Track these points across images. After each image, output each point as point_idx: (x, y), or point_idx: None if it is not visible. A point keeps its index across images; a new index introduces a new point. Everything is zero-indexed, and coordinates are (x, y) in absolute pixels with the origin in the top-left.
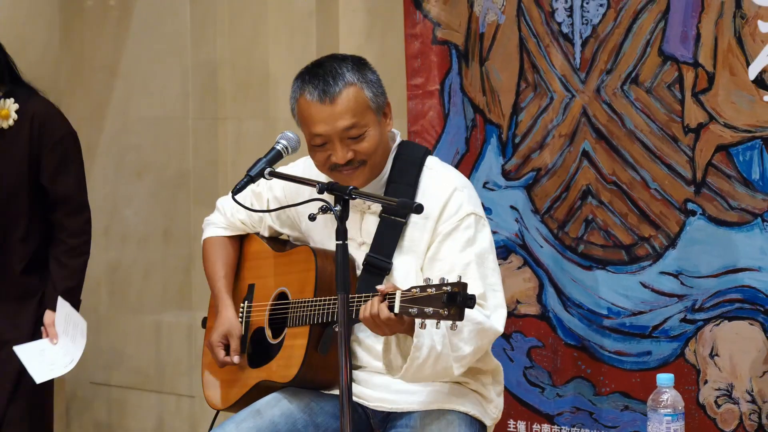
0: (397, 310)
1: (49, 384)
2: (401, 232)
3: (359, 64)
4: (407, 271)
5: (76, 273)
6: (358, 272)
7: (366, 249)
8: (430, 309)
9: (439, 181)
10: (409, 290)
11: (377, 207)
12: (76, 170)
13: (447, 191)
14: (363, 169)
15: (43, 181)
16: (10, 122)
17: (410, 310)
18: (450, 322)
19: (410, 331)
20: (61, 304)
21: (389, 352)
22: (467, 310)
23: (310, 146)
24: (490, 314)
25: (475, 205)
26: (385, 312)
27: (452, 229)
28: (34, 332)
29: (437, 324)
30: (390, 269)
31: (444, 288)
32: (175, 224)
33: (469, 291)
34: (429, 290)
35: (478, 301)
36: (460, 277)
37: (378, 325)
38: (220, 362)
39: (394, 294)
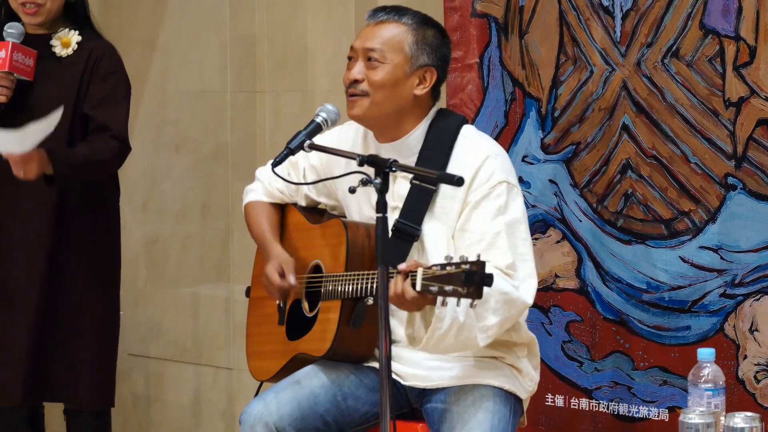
0: (418, 287)
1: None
2: (432, 198)
3: (425, 23)
4: (437, 239)
5: (80, 153)
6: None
7: (398, 213)
8: (450, 287)
9: (472, 149)
10: (429, 268)
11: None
12: (122, 109)
13: (479, 159)
14: (363, 100)
15: (86, 109)
16: (69, 51)
17: (431, 288)
18: (470, 300)
19: (435, 303)
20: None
21: (413, 323)
22: (495, 280)
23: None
24: (519, 285)
25: (508, 173)
26: (410, 291)
27: (483, 197)
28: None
29: (458, 302)
30: (419, 235)
31: (463, 266)
32: (213, 198)
33: (499, 260)
34: (449, 268)
35: (506, 270)
36: (479, 255)
37: (406, 304)
38: (277, 287)
39: (416, 272)
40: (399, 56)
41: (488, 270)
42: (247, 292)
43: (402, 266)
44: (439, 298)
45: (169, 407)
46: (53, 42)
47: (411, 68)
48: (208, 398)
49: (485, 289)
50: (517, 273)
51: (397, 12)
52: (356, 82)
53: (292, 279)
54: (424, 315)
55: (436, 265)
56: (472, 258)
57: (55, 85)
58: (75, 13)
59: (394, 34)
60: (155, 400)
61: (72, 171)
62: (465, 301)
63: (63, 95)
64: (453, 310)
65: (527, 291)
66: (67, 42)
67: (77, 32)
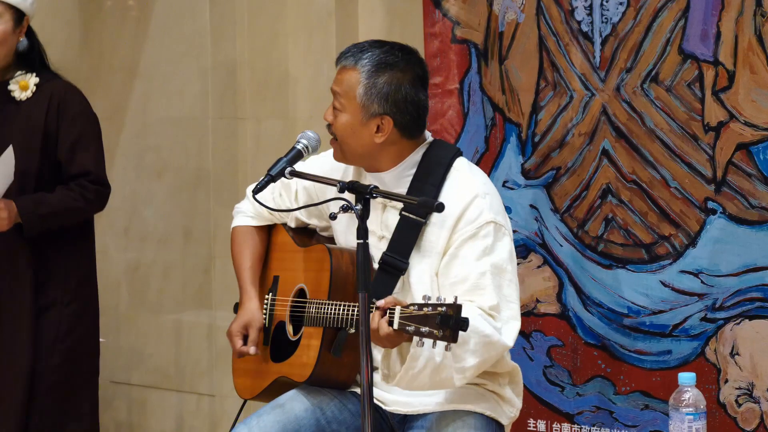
0: (395, 326)
1: (79, 382)
2: (420, 231)
3: (379, 69)
4: (421, 274)
5: (53, 202)
6: (375, 266)
7: (386, 243)
8: (426, 329)
9: (462, 186)
10: (407, 307)
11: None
12: (95, 149)
13: (468, 197)
14: (336, 144)
15: (59, 156)
16: (28, 94)
17: (407, 327)
18: (445, 343)
19: (411, 340)
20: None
21: (389, 357)
22: (476, 321)
23: None
24: (501, 326)
25: (497, 212)
26: (384, 328)
27: (470, 237)
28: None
29: (434, 343)
30: (406, 269)
31: (439, 309)
32: (194, 224)
33: (483, 301)
34: (425, 309)
35: (490, 311)
36: (456, 298)
37: (380, 339)
38: (237, 352)
39: (394, 309)
40: (353, 105)
41: (464, 314)
42: (235, 308)
43: (380, 303)
44: (416, 338)
45: None
46: (11, 87)
47: (365, 117)
48: (191, 425)
49: (463, 332)
50: (501, 314)
51: (356, 56)
52: (329, 124)
53: (253, 350)
54: (400, 350)
55: (413, 305)
56: (450, 300)
57: (18, 129)
58: (29, 61)
59: (349, 82)
60: (138, 427)
61: (42, 220)
62: (440, 344)
63: (26, 139)
64: (429, 350)
65: (509, 333)
66: (25, 85)
67: (34, 74)
